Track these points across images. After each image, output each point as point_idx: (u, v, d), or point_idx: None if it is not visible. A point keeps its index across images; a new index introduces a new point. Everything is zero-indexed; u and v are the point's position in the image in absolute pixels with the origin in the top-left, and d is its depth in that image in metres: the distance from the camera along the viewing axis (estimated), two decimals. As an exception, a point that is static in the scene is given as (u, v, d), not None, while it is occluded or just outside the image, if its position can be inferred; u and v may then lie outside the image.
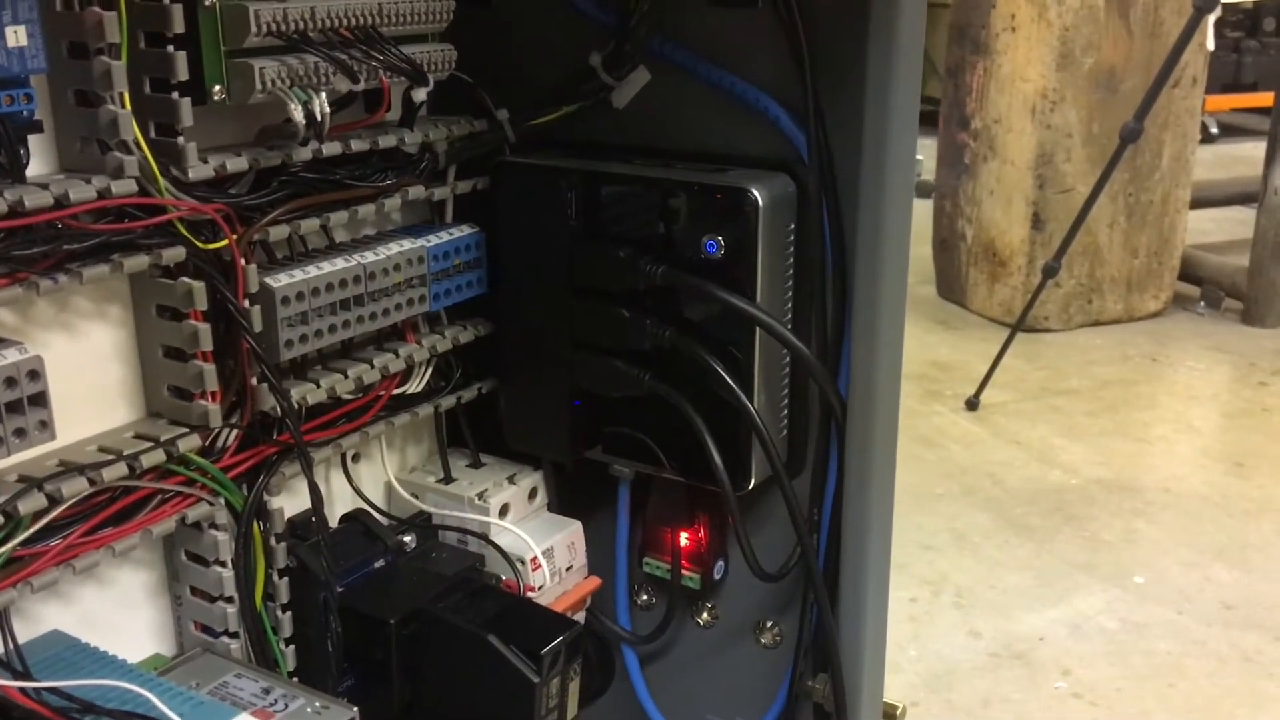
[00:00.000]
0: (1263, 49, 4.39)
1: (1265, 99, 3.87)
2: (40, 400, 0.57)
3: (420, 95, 0.70)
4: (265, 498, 0.69)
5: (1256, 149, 4.54)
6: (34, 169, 0.59)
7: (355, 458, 0.81)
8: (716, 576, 0.84)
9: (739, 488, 0.75)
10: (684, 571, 0.83)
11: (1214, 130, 4.44)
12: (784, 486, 0.74)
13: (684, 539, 0.83)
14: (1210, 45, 2.81)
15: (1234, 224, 3.50)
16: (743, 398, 0.72)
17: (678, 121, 0.79)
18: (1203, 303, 2.94)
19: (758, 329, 0.73)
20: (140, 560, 0.69)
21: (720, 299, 0.71)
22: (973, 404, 2.41)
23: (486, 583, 0.76)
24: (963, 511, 2.04)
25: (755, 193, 0.71)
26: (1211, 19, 2.41)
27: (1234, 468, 2.21)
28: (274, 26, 0.62)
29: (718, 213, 0.72)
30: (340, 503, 0.81)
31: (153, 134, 0.62)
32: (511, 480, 0.84)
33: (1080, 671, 1.63)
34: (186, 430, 0.65)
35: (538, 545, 0.80)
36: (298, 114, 0.64)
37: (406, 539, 0.79)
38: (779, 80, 0.74)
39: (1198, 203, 2.96)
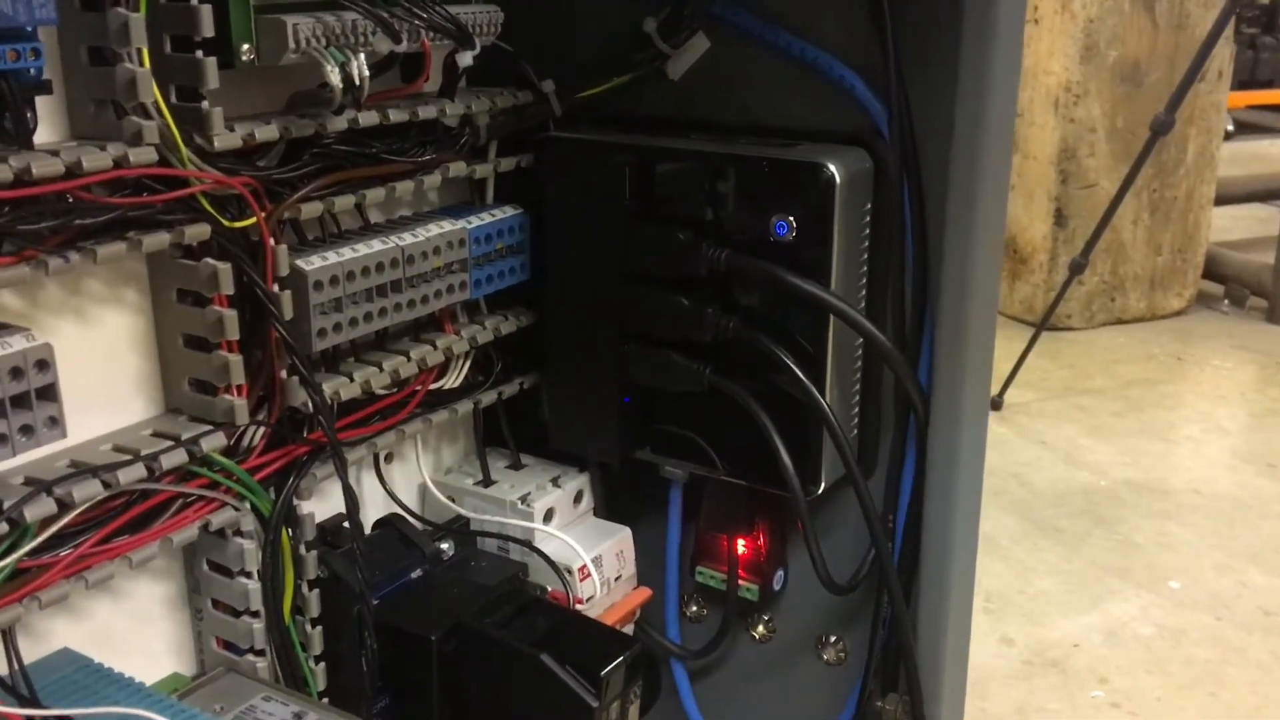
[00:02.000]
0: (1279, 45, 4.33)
1: (1282, 95, 3.82)
2: (49, 393, 0.50)
3: (466, 60, 0.63)
4: (295, 502, 0.63)
5: (1273, 146, 4.50)
6: (42, 135, 0.52)
7: (388, 457, 0.75)
8: (776, 587, 0.77)
9: (809, 492, 0.69)
10: (741, 582, 0.77)
11: (1230, 127, 4.37)
12: (860, 489, 0.67)
13: (741, 546, 0.76)
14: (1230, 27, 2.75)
15: (1254, 221, 3.44)
16: (815, 394, 0.66)
17: (740, 93, 0.73)
18: (1227, 301, 2.88)
19: (831, 318, 0.66)
20: (158, 570, 0.63)
21: (792, 285, 0.65)
22: (996, 403, 2.35)
23: (534, 595, 0.70)
24: (990, 513, 1.98)
25: (831, 168, 0.65)
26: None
27: (1265, 469, 2.15)
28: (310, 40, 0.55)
29: (788, 191, 0.66)
30: (372, 506, 0.74)
31: (174, 98, 0.55)
32: (556, 483, 0.77)
33: (1117, 680, 1.57)
34: (210, 428, 0.59)
35: (586, 553, 0.73)
36: (334, 76, 0.57)
37: (444, 546, 0.72)
38: (854, 45, 0.68)
39: (1218, 199, 2.89)
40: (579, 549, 0.73)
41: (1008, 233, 2.80)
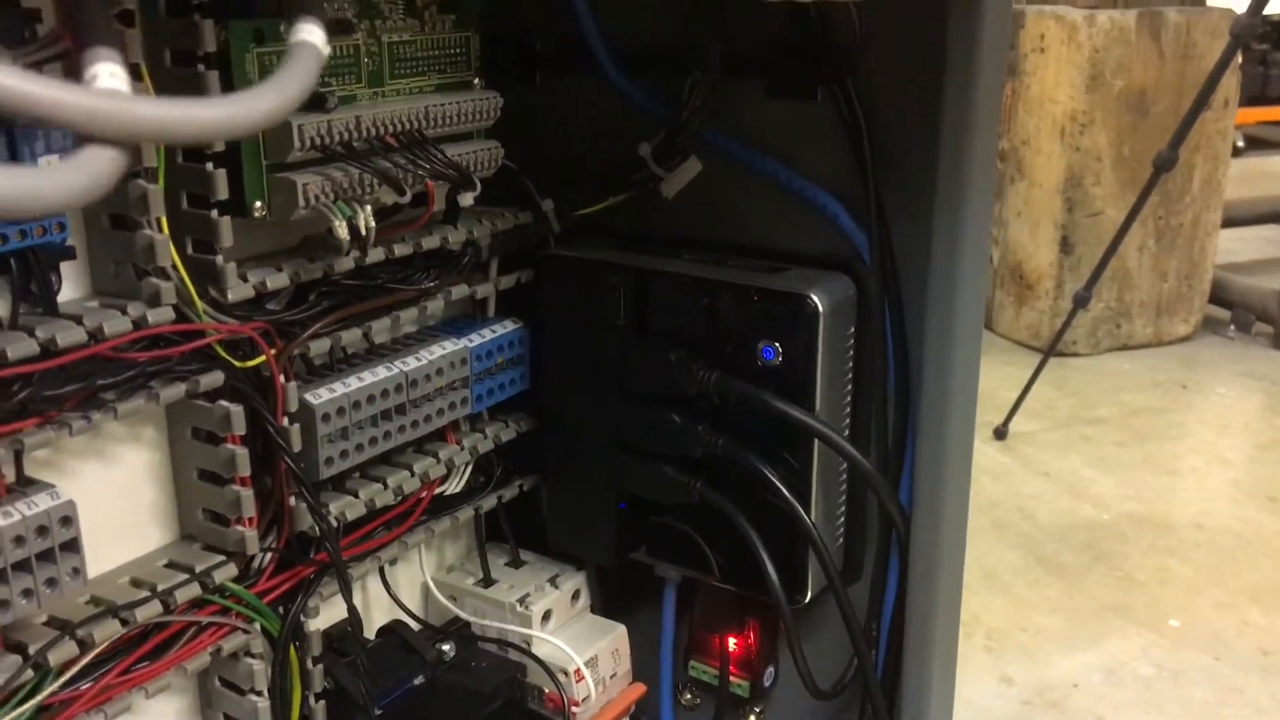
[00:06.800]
0: (1290, 61, 4.33)
1: (1293, 112, 3.82)
2: (73, 546, 0.54)
3: (468, 200, 0.66)
4: (302, 619, 0.66)
5: (1284, 164, 4.49)
6: (65, 294, 0.56)
7: (392, 561, 0.78)
8: (766, 684, 0.80)
9: (794, 601, 0.72)
10: (732, 678, 0.80)
11: (1240, 144, 4.37)
12: (842, 603, 0.70)
13: (732, 644, 0.80)
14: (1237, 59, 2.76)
15: (1263, 243, 3.45)
16: (800, 511, 0.69)
17: (730, 214, 0.75)
18: (1233, 326, 2.89)
19: (816, 440, 0.69)
20: (172, 688, 0.66)
21: (779, 411, 0.68)
22: (1001, 433, 2.37)
23: (531, 707, 0.73)
24: (993, 548, 2.00)
25: (816, 299, 0.68)
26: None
27: (1267, 502, 2.17)
28: (318, 140, 0.59)
29: (776, 318, 0.69)
30: (377, 608, 0.77)
31: (189, 250, 0.59)
32: (554, 582, 0.80)
33: (1115, 720, 1.60)
34: (223, 558, 0.62)
35: (581, 656, 0.76)
36: (342, 231, 0.60)
37: (445, 648, 0.76)
38: (839, 176, 0.71)
39: (1225, 222, 2.90)
40: (573, 654, 0.76)
41: (1014, 259, 2.82)
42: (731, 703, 0.81)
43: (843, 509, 0.74)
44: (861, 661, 0.71)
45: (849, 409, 0.72)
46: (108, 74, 0.31)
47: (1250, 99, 4.16)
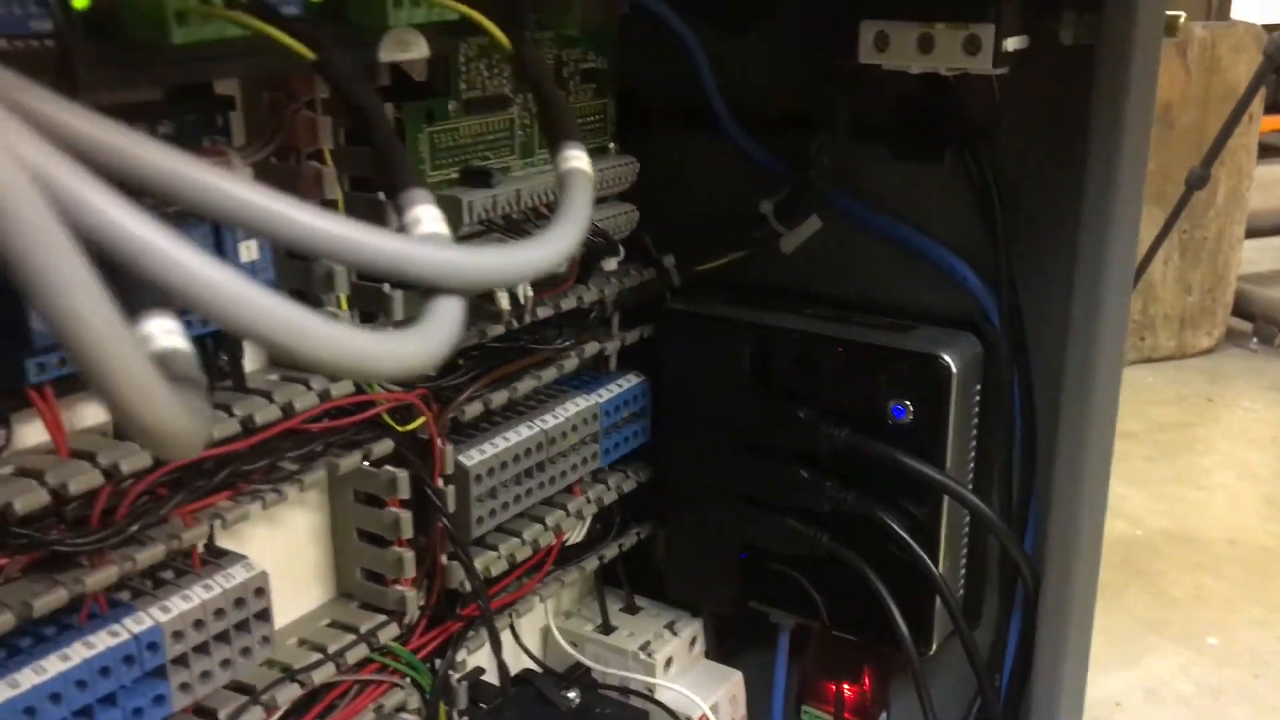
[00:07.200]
0: (1305, 70, 4.33)
1: (1309, 121, 3.83)
2: (265, 615, 0.55)
3: (611, 265, 0.68)
4: (450, 673, 0.68)
5: (1301, 173, 4.51)
6: (247, 366, 0.57)
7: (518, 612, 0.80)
8: (880, 727, 0.82)
9: (921, 653, 0.74)
10: (847, 721, 0.82)
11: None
12: (971, 651, 0.72)
13: (846, 690, 0.81)
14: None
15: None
16: (931, 566, 0.71)
17: (849, 269, 0.77)
18: (1255, 339, 2.92)
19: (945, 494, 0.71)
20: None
21: (912, 469, 0.70)
22: (1032, 449, 2.38)
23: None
24: (1031, 566, 2.02)
25: (947, 359, 0.69)
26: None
27: (1298, 518, 2.19)
28: (484, 214, 0.60)
29: (906, 377, 0.71)
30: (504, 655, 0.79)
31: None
32: (672, 629, 0.82)
33: (1160, 740, 1.62)
34: (384, 618, 0.64)
35: (705, 702, 0.78)
36: (504, 300, 0.62)
37: (571, 694, 0.77)
38: (966, 238, 0.72)
39: (1247, 233, 2.93)
40: (698, 699, 0.78)
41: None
42: (845, 745, 0.83)
43: (964, 560, 0.76)
44: (987, 705, 0.73)
45: (974, 461, 0.74)
46: (429, 217, 0.33)
47: (1268, 107, 4.18)
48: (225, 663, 0.54)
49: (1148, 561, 2.04)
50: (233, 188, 0.27)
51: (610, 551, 0.80)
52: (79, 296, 0.22)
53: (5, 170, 0.20)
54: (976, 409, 0.73)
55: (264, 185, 0.28)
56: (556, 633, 0.81)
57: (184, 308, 0.26)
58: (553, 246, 0.34)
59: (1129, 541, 2.10)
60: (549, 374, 0.71)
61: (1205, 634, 1.85)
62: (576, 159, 0.38)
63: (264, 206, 0.27)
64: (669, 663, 0.80)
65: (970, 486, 0.73)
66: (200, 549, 0.55)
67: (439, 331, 0.30)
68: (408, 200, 0.33)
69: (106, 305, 0.23)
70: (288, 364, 0.58)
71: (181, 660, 0.52)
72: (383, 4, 0.43)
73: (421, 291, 0.30)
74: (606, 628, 0.82)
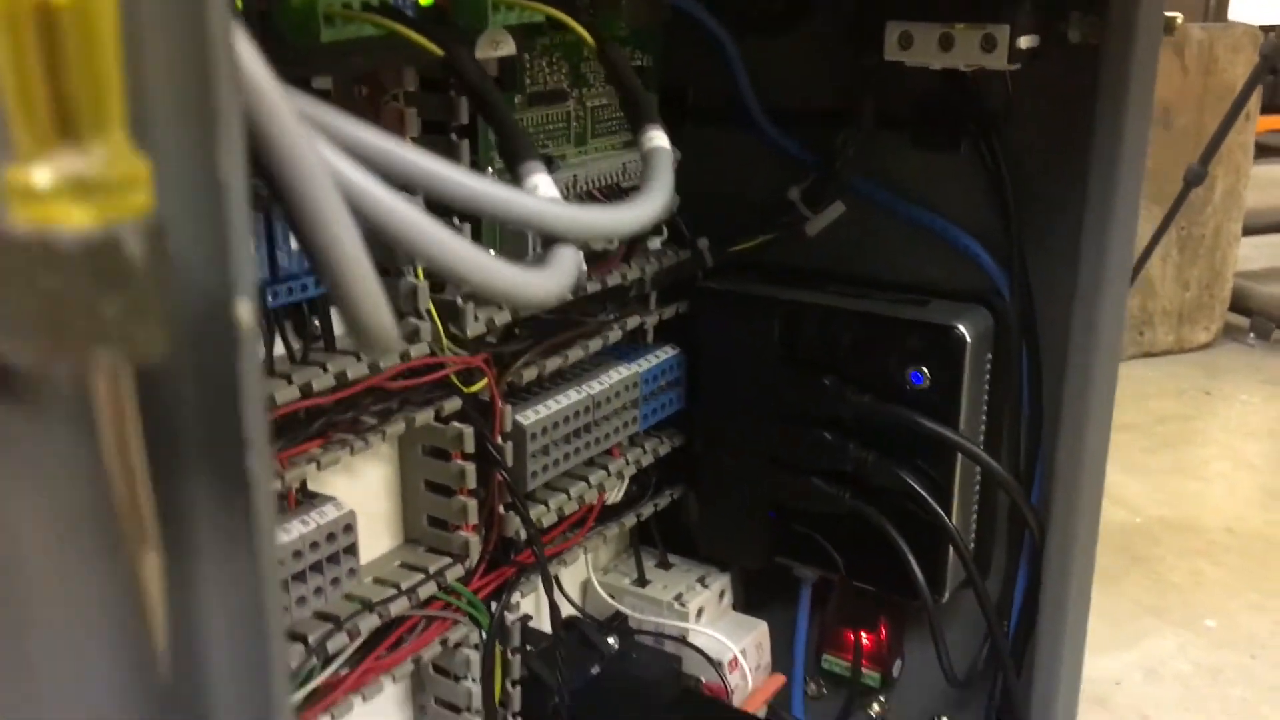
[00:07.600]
0: (1302, 72, 4.39)
1: (1305, 122, 3.89)
2: (352, 550, 0.62)
3: (655, 243, 0.75)
4: (505, 614, 0.74)
5: (1297, 173, 4.57)
6: (337, 332, 0.64)
7: (563, 563, 0.86)
8: (895, 674, 0.89)
9: (935, 600, 0.80)
10: (864, 670, 0.88)
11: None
12: (982, 598, 0.79)
13: (864, 638, 0.88)
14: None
15: (1277, 250, 3.53)
16: (946, 520, 0.77)
17: (871, 250, 0.84)
18: (1252, 334, 2.98)
19: (958, 454, 0.78)
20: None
21: (930, 430, 0.76)
22: (1034, 439, 2.44)
23: (705, 695, 0.81)
24: (1033, 551, 2.08)
25: (962, 329, 0.76)
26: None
27: (1295, 507, 2.25)
28: (546, 196, 0.67)
29: (923, 346, 0.77)
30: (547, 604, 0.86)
31: (431, 292, 0.67)
32: (703, 583, 0.89)
33: (1159, 717, 1.67)
34: (449, 561, 0.70)
35: (736, 646, 0.85)
36: (561, 272, 0.68)
37: (610, 640, 0.84)
38: (979, 220, 0.79)
39: (1243, 230, 2.99)
40: (729, 643, 0.85)
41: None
42: (862, 692, 0.90)
43: (975, 514, 0.82)
44: (998, 648, 0.80)
45: (985, 421, 0.80)
46: (545, 184, 0.39)
47: (1264, 107, 4.25)
48: (318, 590, 0.60)
49: (1147, 548, 2.10)
50: (419, 157, 0.35)
51: (646, 510, 0.87)
52: (346, 231, 0.30)
53: (308, 152, 0.28)
54: (988, 376, 0.79)
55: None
56: (597, 584, 0.88)
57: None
58: (646, 208, 0.40)
59: (1129, 529, 2.16)
60: (595, 344, 0.77)
61: (1203, 617, 1.91)
62: (659, 139, 0.45)
63: (442, 171, 0.34)
64: (700, 612, 0.87)
65: (982, 446, 0.80)
66: (295, 491, 0.62)
67: (564, 270, 0.36)
68: (527, 170, 0.40)
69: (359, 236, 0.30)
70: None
71: (281, 586, 0.59)
72: (484, 7, 0.49)
73: (543, 241, 0.37)
74: (642, 581, 0.89)
